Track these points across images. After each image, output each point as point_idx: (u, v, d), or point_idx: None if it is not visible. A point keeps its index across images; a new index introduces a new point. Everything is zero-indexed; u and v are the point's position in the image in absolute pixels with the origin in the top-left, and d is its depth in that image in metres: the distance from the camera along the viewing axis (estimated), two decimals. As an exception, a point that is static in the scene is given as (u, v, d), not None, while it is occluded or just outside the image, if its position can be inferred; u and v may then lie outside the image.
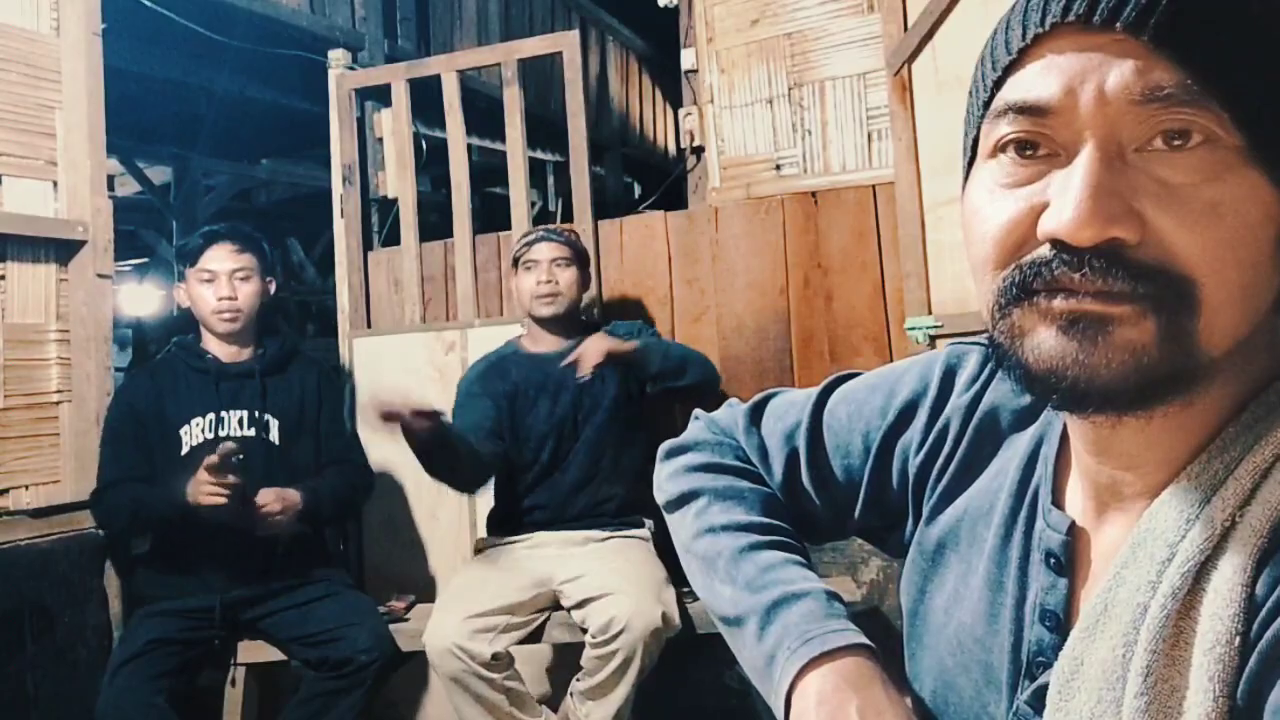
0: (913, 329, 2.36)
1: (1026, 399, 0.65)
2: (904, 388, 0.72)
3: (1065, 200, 0.46)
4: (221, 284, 2.29)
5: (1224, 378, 0.49)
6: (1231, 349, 0.48)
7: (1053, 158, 0.49)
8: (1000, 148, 0.51)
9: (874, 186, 2.70)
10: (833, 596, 0.69)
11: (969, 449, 0.67)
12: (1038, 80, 0.49)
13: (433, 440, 1.95)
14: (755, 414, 0.83)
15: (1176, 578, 0.47)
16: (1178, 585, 0.47)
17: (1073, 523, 0.57)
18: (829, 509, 0.78)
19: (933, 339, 2.34)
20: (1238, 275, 0.46)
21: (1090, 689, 0.49)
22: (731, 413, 0.86)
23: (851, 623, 0.66)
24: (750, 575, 0.71)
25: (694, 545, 0.78)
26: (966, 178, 0.56)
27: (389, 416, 1.85)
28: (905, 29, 2.37)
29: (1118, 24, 0.46)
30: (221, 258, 2.30)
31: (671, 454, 0.86)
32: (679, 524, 0.81)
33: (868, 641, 0.65)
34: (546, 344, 2.41)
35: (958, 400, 0.69)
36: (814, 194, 2.78)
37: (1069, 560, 0.57)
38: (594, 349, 2.20)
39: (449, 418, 2.07)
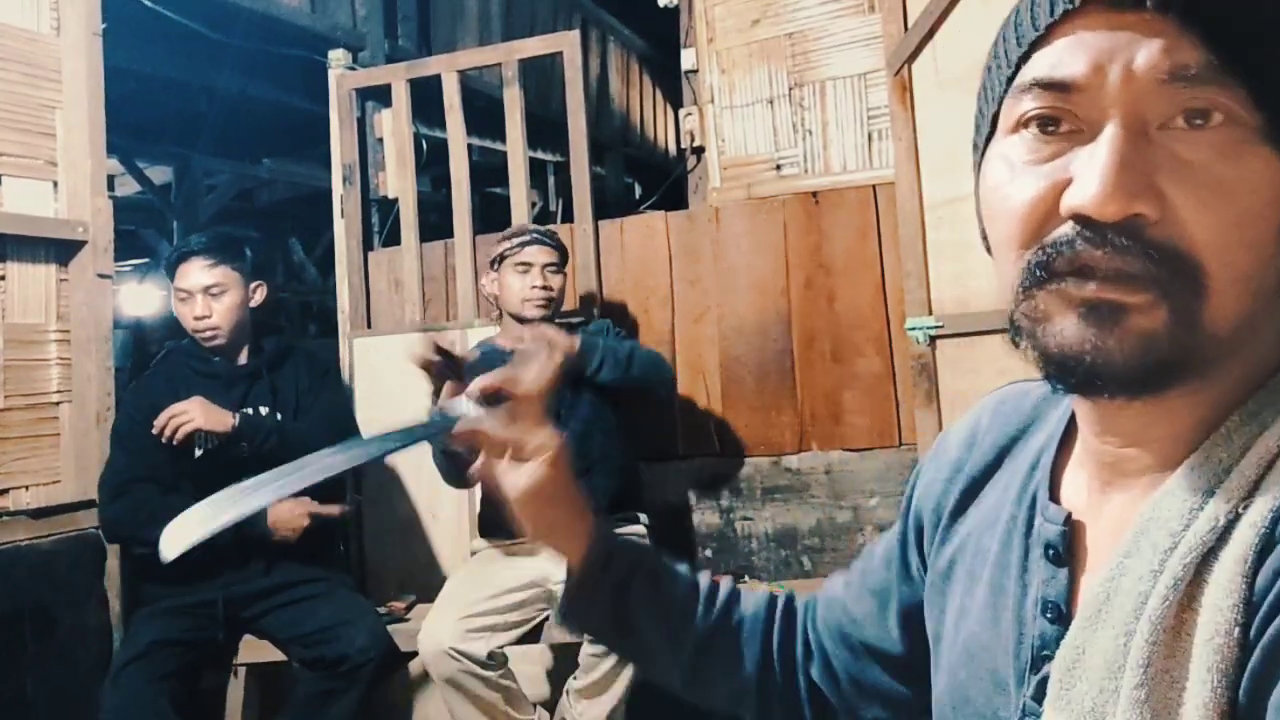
0: (913, 329, 2.36)
1: (1024, 411, 0.66)
2: (950, 446, 0.74)
3: (1090, 175, 0.47)
4: (196, 303, 2.27)
5: (1231, 358, 0.50)
6: (1241, 328, 0.49)
7: (1075, 134, 0.49)
8: (1023, 124, 0.51)
9: (874, 186, 2.70)
10: None
11: (975, 469, 0.68)
12: (1066, 56, 0.49)
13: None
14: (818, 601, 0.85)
15: (1179, 568, 0.47)
16: (1179, 575, 0.47)
17: (1069, 514, 0.58)
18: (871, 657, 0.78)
19: (933, 339, 2.33)
20: (1244, 257, 0.47)
21: (1092, 678, 0.49)
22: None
23: None
24: None
25: None
26: (983, 155, 0.56)
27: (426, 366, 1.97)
28: (905, 29, 2.36)
29: (1147, 2, 0.47)
30: (193, 275, 2.28)
31: None
32: None
33: None
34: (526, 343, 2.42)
35: (951, 453, 0.71)
36: (815, 194, 2.78)
37: (1068, 551, 0.57)
38: (537, 335, 2.26)
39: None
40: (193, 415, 2.15)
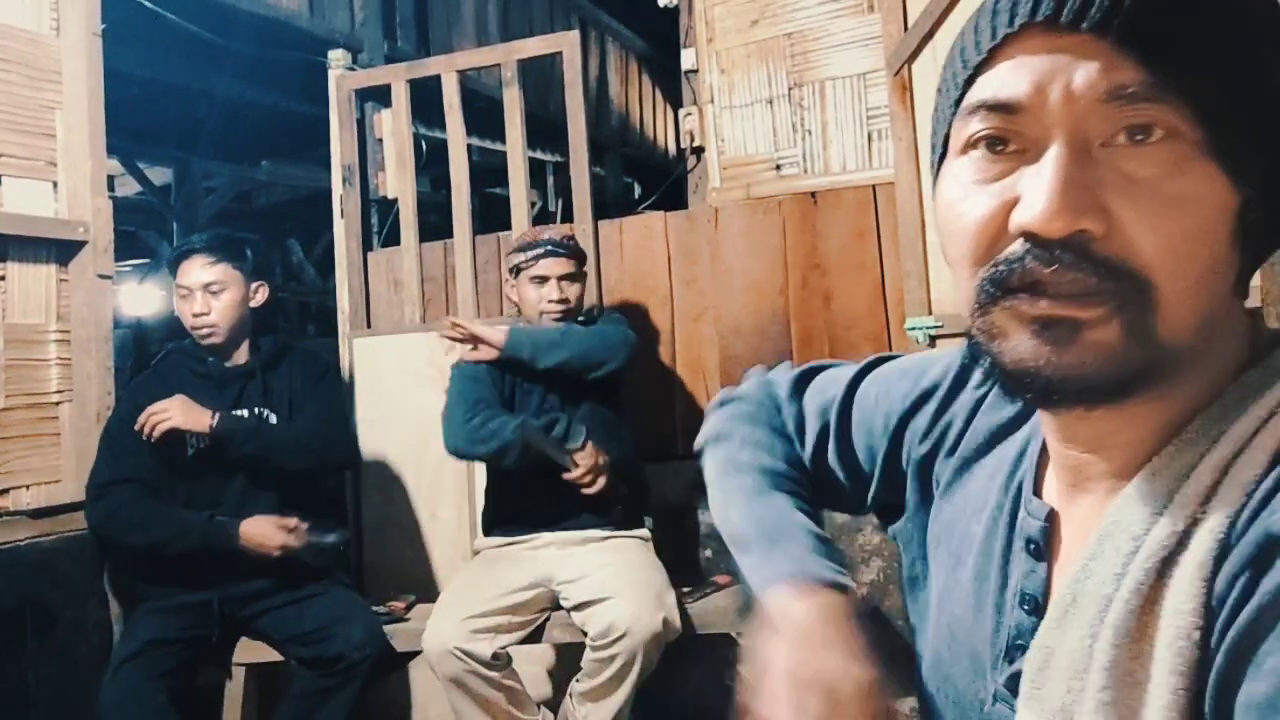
0: (913, 329, 2.36)
1: (1011, 411, 0.68)
2: (926, 377, 0.75)
3: (1037, 194, 0.48)
4: (195, 300, 2.27)
5: (1191, 365, 0.51)
6: (1195, 338, 0.50)
7: (1022, 154, 0.51)
8: (972, 144, 0.53)
9: (874, 186, 2.70)
10: (826, 540, 0.76)
11: (967, 449, 0.69)
12: (1008, 79, 0.50)
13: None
14: (800, 384, 0.88)
15: (1140, 572, 0.48)
16: (1141, 580, 0.48)
17: (1051, 510, 0.59)
18: (851, 482, 0.83)
19: (933, 339, 2.34)
20: (1192, 269, 0.48)
21: (1061, 678, 0.50)
22: (782, 378, 0.91)
23: (837, 564, 0.73)
24: (761, 513, 0.79)
25: (720, 479, 0.85)
26: (936, 174, 0.58)
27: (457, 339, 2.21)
28: (905, 29, 2.37)
29: (1083, 25, 0.47)
30: (194, 272, 2.28)
31: (722, 402, 0.93)
32: (711, 457, 0.89)
33: (847, 582, 0.71)
34: None
35: (964, 398, 0.71)
36: (814, 194, 2.79)
37: (1047, 546, 0.59)
38: (461, 324, 2.36)
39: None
40: (171, 414, 2.15)
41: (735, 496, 0.82)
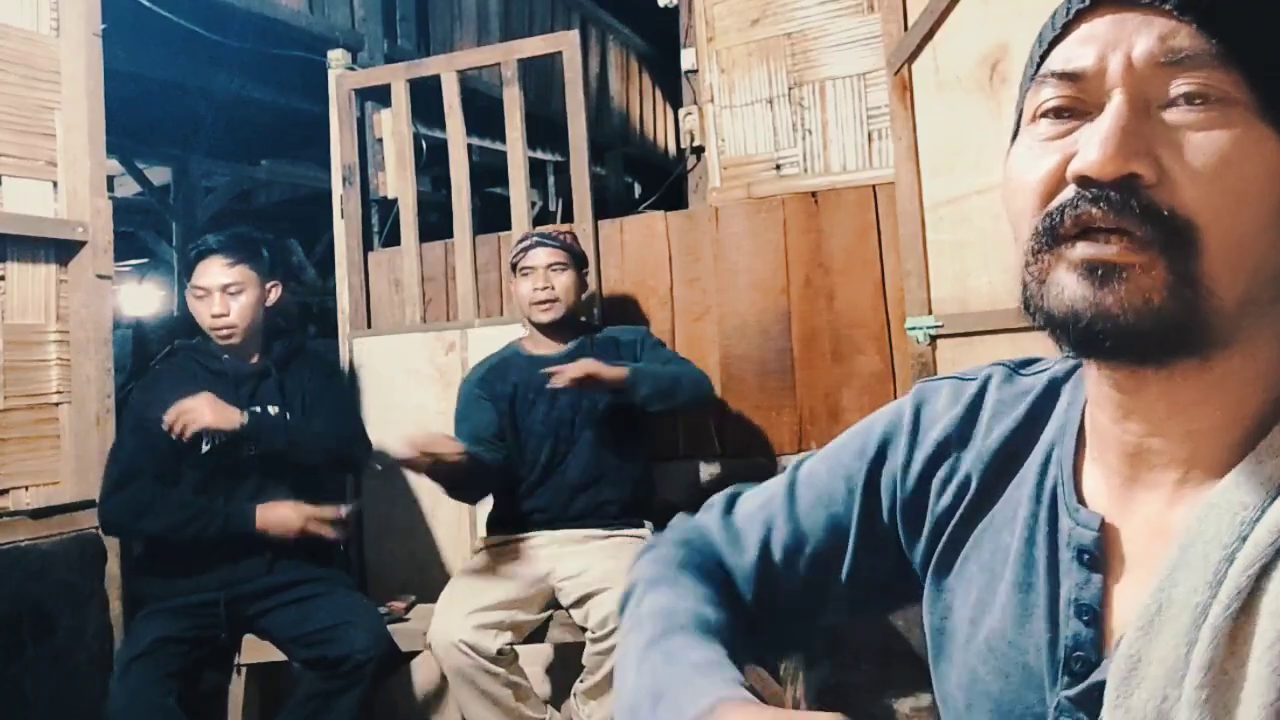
0: (913, 329, 2.36)
1: (1029, 403, 0.68)
2: (877, 429, 0.75)
3: (1092, 141, 0.52)
4: (214, 301, 2.27)
5: (1242, 345, 0.53)
6: (1245, 312, 0.51)
7: (1084, 115, 0.54)
8: (1043, 113, 0.56)
9: (874, 186, 2.69)
10: (714, 632, 0.68)
11: (976, 464, 0.69)
12: (1077, 49, 0.55)
13: (455, 474, 2.04)
14: (729, 503, 0.84)
15: (1241, 579, 0.49)
16: (1242, 586, 0.49)
17: (1102, 518, 0.59)
18: (811, 572, 0.76)
19: (933, 338, 2.34)
20: (1241, 225, 0.50)
21: (1152, 686, 0.51)
22: (708, 509, 0.86)
23: (721, 652, 0.65)
24: (652, 667, 0.66)
25: (622, 653, 0.72)
26: (1010, 148, 0.61)
27: (410, 465, 2.00)
28: (905, 29, 2.36)
29: None
30: (212, 273, 2.28)
31: (644, 558, 0.83)
32: (623, 630, 0.76)
33: (733, 675, 0.63)
34: (546, 346, 2.42)
35: (947, 416, 0.71)
36: (814, 194, 2.78)
37: (1101, 554, 0.59)
38: (578, 367, 2.15)
39: (462, 445, 2.08)
40: (201, 413, 2.15)
41: (627, 660, 0.69)
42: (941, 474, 0.70)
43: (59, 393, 2.31)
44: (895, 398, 0.78)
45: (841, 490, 0.75)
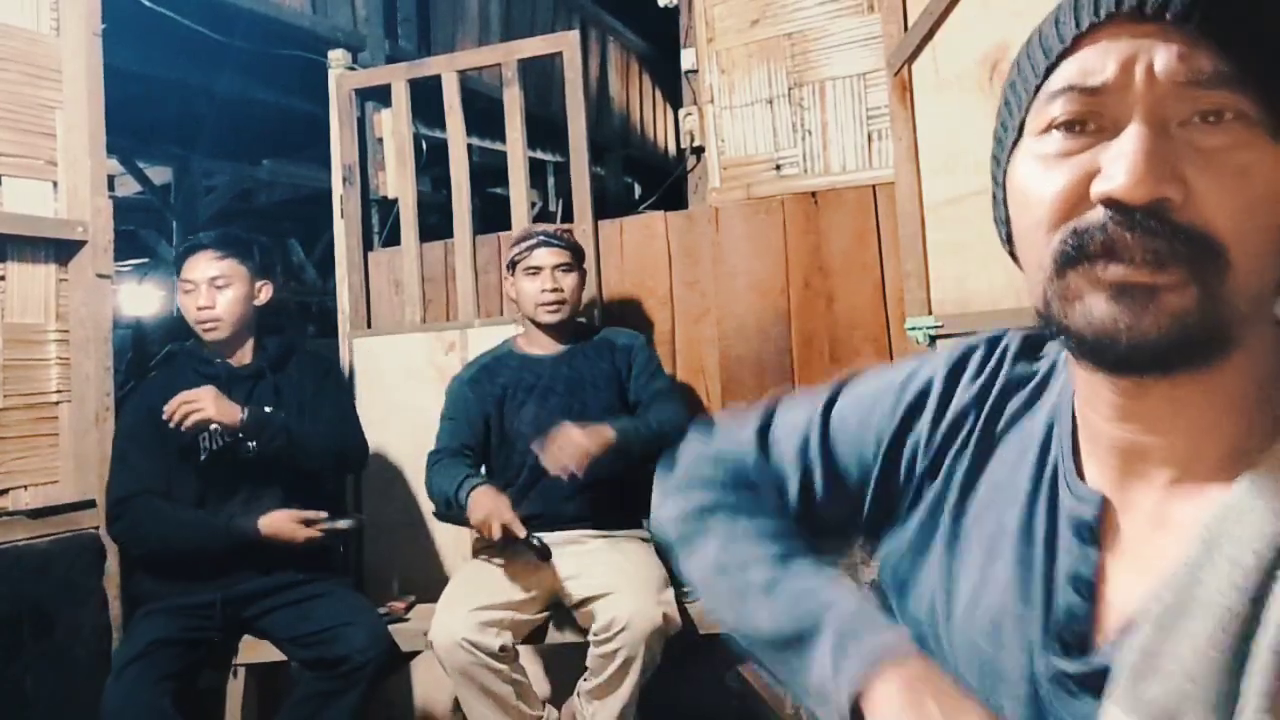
0: (913, 329, 2.36)
1: (1034, 384, 0.69)
2: (911, 387, 0.76)
3: (1120, 164, 0.52)
4: (200, 293, 2.27)
5: (1240, 346, 0.54)
6: (1253, 308, 0.53)
7: (1100, 132, 0.54)
8: (1054, 126, 0.56)
9: (874, 186, 2.70)
10: (859, 595, 0.72)
11: (983, 442, 0.70)
12: (1095, 63, 0.54)
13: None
14: (762, 438, 0.85)
15: None
16: None
17: (1103, 496, 0.60)
18: (842, 512, 0.80)
19: (933, 339, 2.33)
20: (1260, 239, 0.52)
21: (1172, 684, 0.51)
22: (736, 436, 0.86)
23: (885, 618, 0.69)
24: (789, 606, 0.71)
25: (719, 583, 0.77)
26: (1009, 159, 0.61)
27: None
28: (905, 29, 2.36)
29: (1166, 15, 0.52)
30: (199, 266, 2.28)
31: (674, 489, 0.85)
32: (693, 563, 0.81)
33: (906, 632, 0.68)
34: (542, 346, 2.42)
35: (965, 393, 0.72)
36: (814, 194, 2.78)
37: (1099, 531, 0.60)
38: (570, 452, 2.10)
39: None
40: (204, 404, 2.14)
41: (752, 599, 0.73)
42: (956, 446, 0.72)
43: (59, 392, 2.31)
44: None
45: (870, 448, 0.77)
